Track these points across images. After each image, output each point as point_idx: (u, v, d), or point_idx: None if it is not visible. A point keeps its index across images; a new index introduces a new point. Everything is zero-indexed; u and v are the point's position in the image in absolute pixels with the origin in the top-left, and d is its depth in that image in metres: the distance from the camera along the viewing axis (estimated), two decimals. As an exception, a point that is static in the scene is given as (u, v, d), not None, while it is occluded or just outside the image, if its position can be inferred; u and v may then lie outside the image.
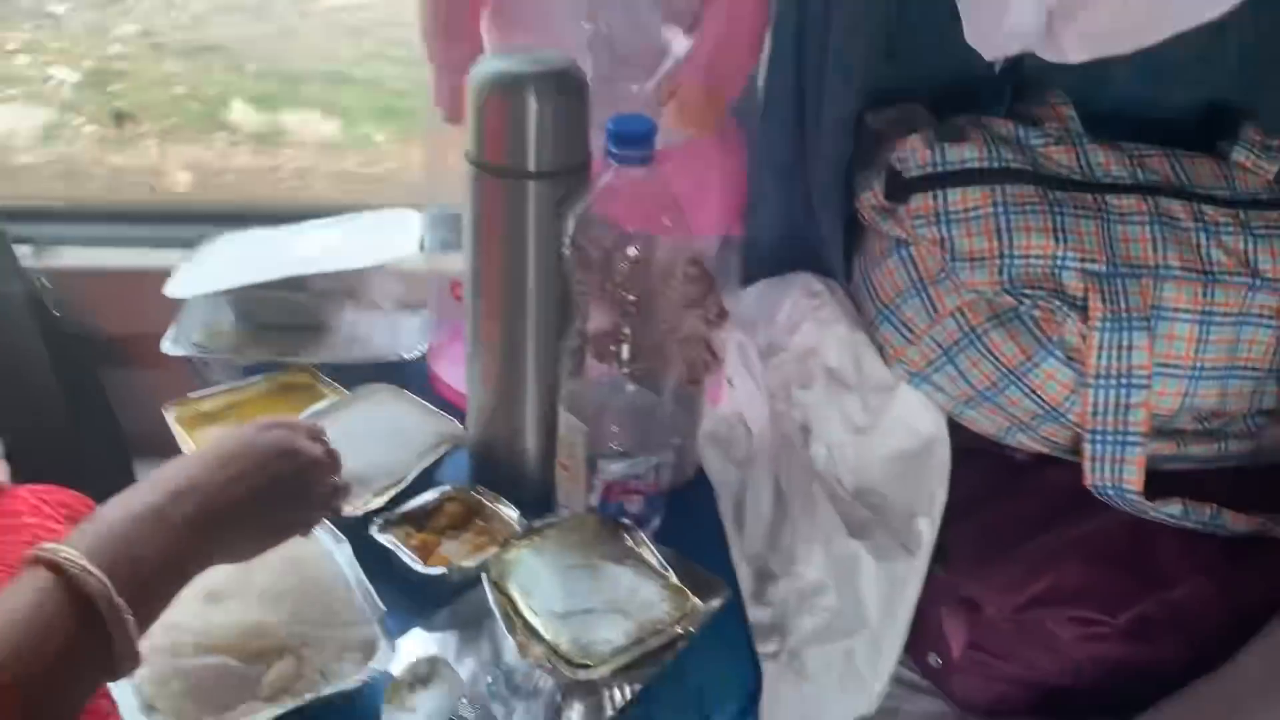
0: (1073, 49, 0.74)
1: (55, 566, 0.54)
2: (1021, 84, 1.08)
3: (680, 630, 0.76)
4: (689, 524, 0.95)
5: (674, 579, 0.80)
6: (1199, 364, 0.96)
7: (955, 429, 1.01)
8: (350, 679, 0.72)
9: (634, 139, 0.76)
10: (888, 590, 0.93)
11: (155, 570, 0.58)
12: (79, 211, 1.30)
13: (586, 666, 0.70)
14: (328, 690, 0.71)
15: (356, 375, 1.07)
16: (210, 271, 1.13)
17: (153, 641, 0.70)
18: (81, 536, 0.56)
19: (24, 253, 1.21)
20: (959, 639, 0.93)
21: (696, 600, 0.79)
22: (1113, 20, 0.62)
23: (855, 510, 1.00)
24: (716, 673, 0.84)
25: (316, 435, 0.74)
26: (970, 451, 1.01)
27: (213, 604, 0.77)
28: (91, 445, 1.20)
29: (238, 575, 0.78)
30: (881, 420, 1.04)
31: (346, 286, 1.16)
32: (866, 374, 1.05)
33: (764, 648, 0.92)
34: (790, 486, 1.02)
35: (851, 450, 1.03)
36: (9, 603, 0.53)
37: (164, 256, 1.20)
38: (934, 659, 0.94)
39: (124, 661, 0.55)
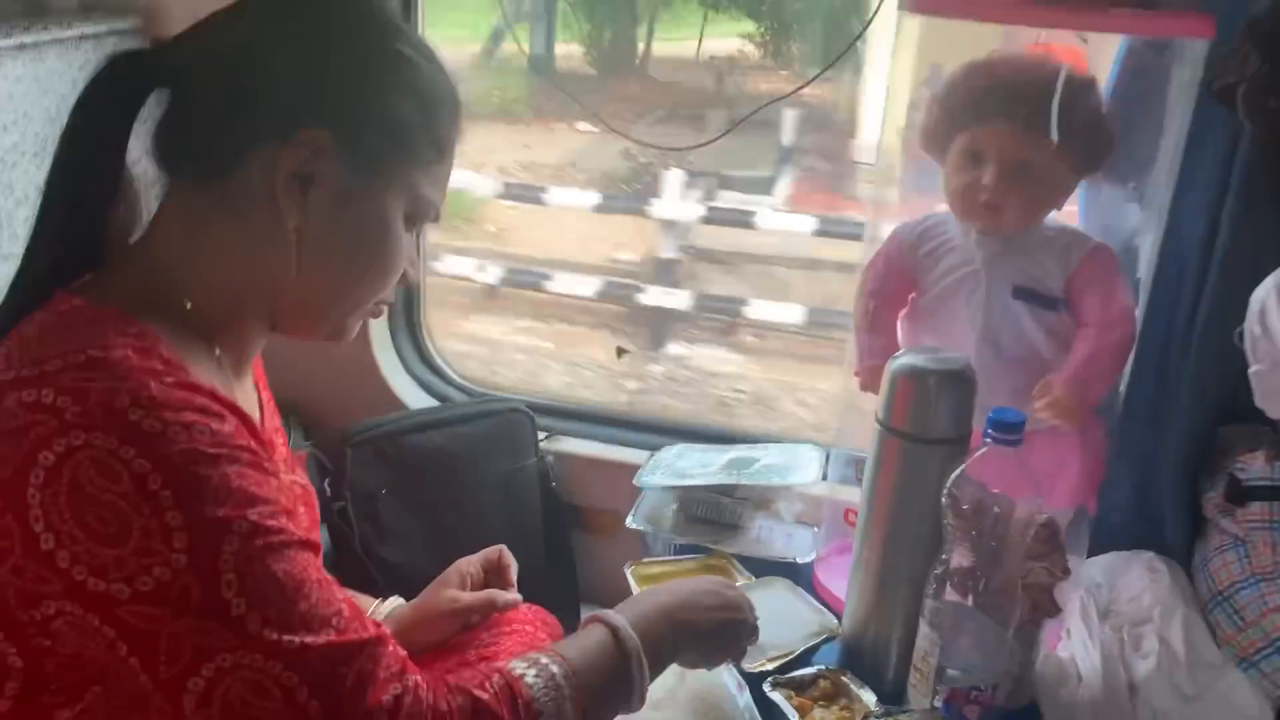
0: None
1: (612, 628, 0.90)
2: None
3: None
4: (1018, 743, 1.14)
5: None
6: None
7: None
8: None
9: (1008, 427, 1.03)
10: None
11: (657, 646, 0.92)
12: (580, 413, 1.78)
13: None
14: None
15: (760, 567, 1.39)
16: (665, 471, 1.53)
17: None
18: (624, 609, 0.93)
19: (541, 436, 1.69)
20: None
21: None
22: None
23: (1171, 771, 1.14)
24: None
25: (750, 606, 1.07)
26: None
27: (653, 710, 1.09)
28: (554, 584, 1.61)
29: (672, 692, 1.10)
30: (1208, 696, 1.17)
31: (762, 498, 1.51)
32: (1198, 651, 1.20)
33: None
34: (1109, 733, 1.17)
35: (1176, 716, 1.17)
36: (580, 642, 0.90)
37: (633, 454, 1.62)
38: None
39: (636, 699, 0.89)
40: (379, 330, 1.69)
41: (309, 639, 0.73)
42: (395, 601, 1.19)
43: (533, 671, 0.84)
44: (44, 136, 1.26)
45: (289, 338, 0.90)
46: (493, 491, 1.58)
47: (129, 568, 0.69)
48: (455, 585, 1.19)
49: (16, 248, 1.26)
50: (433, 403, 1.71)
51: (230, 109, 0.81)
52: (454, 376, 1.79)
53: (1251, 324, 0.87)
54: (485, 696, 0.80)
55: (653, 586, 1.00)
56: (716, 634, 1.02)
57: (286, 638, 0.72)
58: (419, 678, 0.79)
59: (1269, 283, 0.85)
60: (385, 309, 0.95)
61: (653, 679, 0.93)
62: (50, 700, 0.74)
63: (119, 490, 0.68)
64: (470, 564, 1.22)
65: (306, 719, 0.72)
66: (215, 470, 0.71)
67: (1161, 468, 1.31)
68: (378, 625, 0.79)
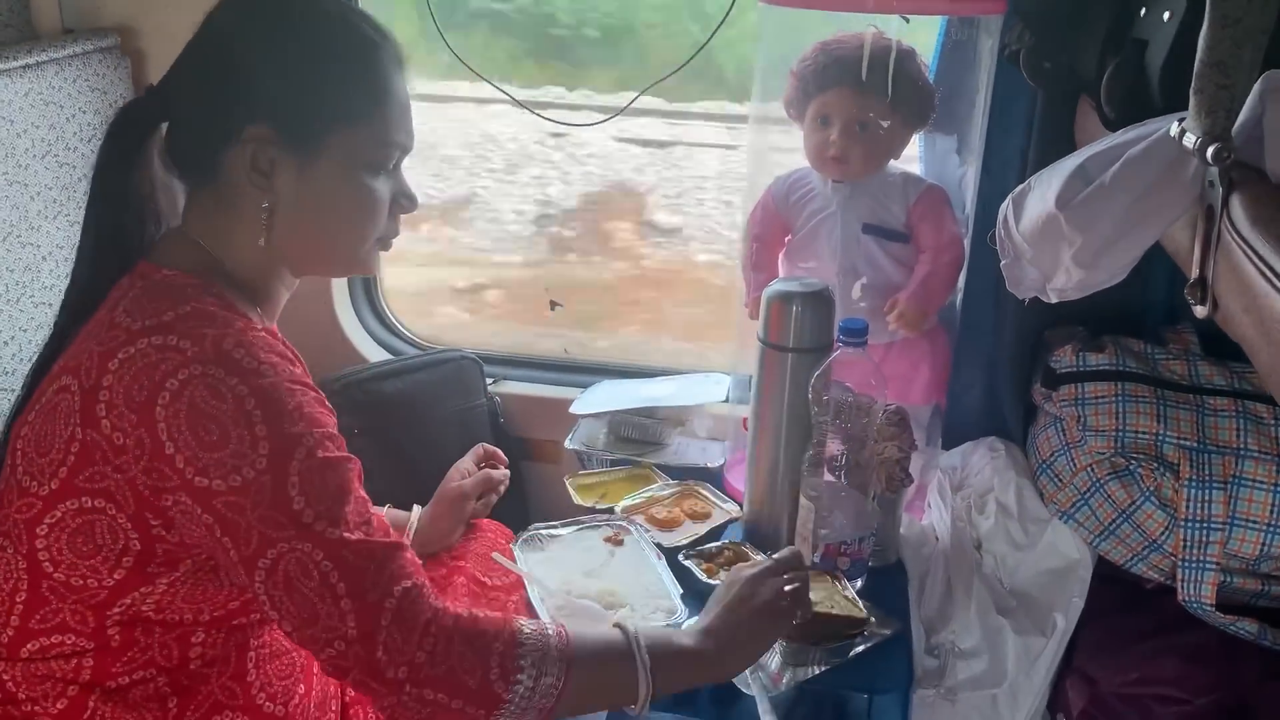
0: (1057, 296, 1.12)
1: (624, 630, 1.02)
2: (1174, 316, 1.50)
3: (870, 618, 1.23)
4: (887, 591, 1.41)
5: (853, 604, 1.28)
6: (1274, 522, 1.31)
7: (1105, 563, 1.40)
8: (659, 621, 1.27)
9: (854, 332, 1.31)
10: (1024, 658, 1.34)
11: (675, 668, 1.03)
12: (522, 360, 2.04)
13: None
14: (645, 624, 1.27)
15: (680, 474, 1.66)
16: (596, 401, 1.79)
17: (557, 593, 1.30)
18: (652, 629, 1.11)
19: (488, 381, 1.94)
20: (1079, 704, 1.32)
21: (882, 614, 1.26)
22: (1068, 280, 1.05)
23: (1006, 600, 1.42)
24: (884, 670, 1.29)
25: (794, 568, 1.16)
26: (1112, 579, 1.41)
27: (587, 578, 1.36)
28: (507, 505, 1.86)
29: (605, 570, 1.37)
30: (1038, 544, 1.46)
31: (678, 418, 1.78)
32: (1028, 509, 1.48)
33: (927, 686, 1.36)
34: (958, 578, 1.46)
35: (1011, 560, 1.45)
36: (593, 631, 1.03)
37: (568, 391, 1.89)
38: (1060, 718, 1.33)
39: (642, 701, 1.00)
40: (340, 293, 1.93)
41: (347, 534, 0.92)
42: (419, 509, 1.44)
43: (530, 625, 0.98)
44: (49, 140, 1.48)
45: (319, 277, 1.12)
46: (450, 429, 1.82)
47: (225, 467, 0.90)
48: (456, 480, 1.45)
49: (34, 237, 1.50)
50: (389, 356, 1.96)
51: (199, 125, 1.02)
52: (407, 333, 2.04)
53: (999, 229, 1.14)
54: (481, 616, 0.96)
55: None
56: (757, 635, 1.10)
57: (330, 530, 0.91)
58: (426, 582, 0.95)
59: (1009, 197, 1.12)
60: (391, 241, 1.11)
61: (668, 693, 1.03)
62: (154, 570, 0.97)
63: (223, 408, 0.90)
64: (464, 462, 1.49)
65: (335, 597, 0.91)
66: (292, 399, 0.93)
67: (999, 369, 1.59)
68: (399, 536, 0.98)
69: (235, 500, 0.91)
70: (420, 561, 0.99)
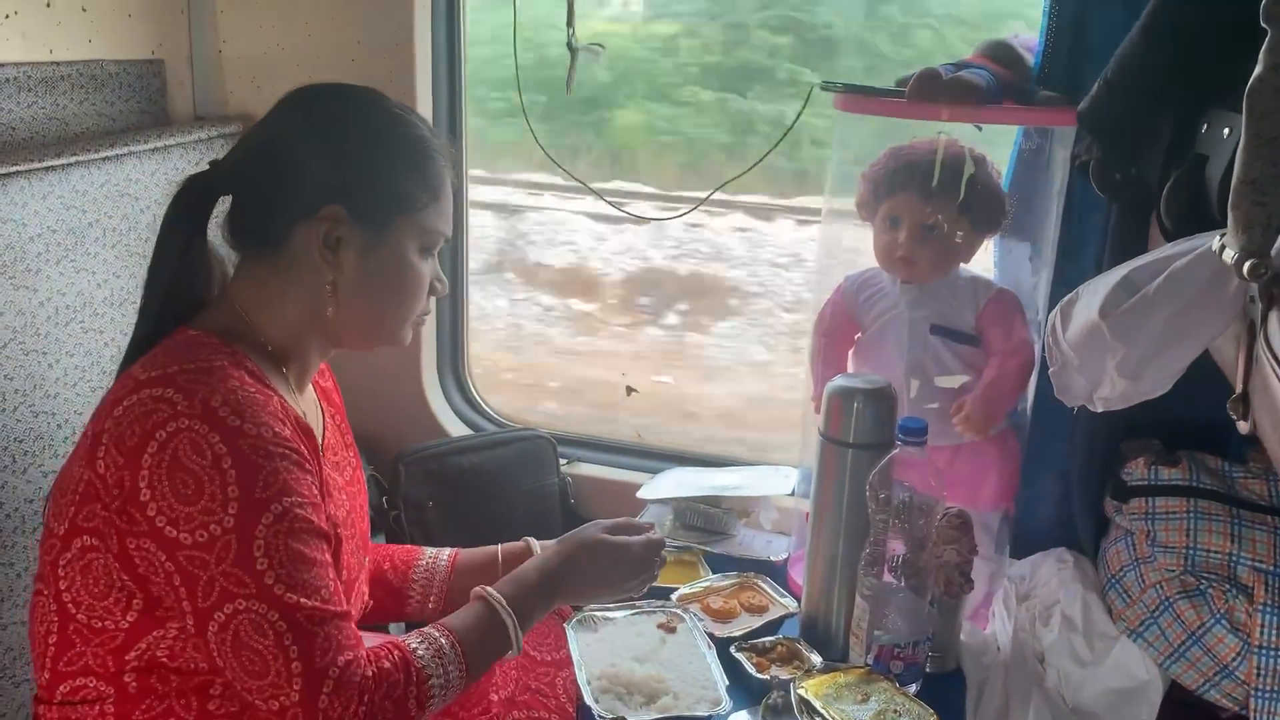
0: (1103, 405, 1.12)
1: (485, 600, 1.18)
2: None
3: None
4: (943, 698, 1.37)
5: (919, 705, 1.25)
6: (1354, 652, 1.25)
7: (1178, 687, 1.35)
8: (701, 712, 1.27)
9: (913, 432, 1.31)
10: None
11: (533, 603, 1.21)
12: (596, 442, 2.09)
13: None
14: (687, 713, 1.27)
15: (743, 565, 1.66)
16: (664, 487, 1.82)
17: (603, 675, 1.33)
18: (507, 584, 1.21)
19: (562, 461, 1.99)
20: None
21: (935, 716, 1.23)
22: (1113, 390, 1.04)
23: (1068, 717, 1.38)
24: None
25: (642, 535, 1.34)
26: (1186, 704, 1.35)
27: (637, 663, 1.37)
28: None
29: (655, 655, 1.38)
30: (1104, 661, 1.41)
31: (744, 508, 1.79)
32: (1095, 624, 1.44)
33: (979, 797, 1.32)
34: (1017, 690, 1.41)
35: (1076, 677, 1.41)
36: (463, 616, 1.16)
37: (639, 476, 1.92)
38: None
39: (515, 646, 1.17)
40: (429, 369, 2.02)
41: (302, 599, 0.98)
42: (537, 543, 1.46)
43: (423, 644, 1.09)
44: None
45: (352, 350, 1.20)
46: (520, 505, 1.88)
47: (194, 522, 0.97)
48: None
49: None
50: (470, 431, 2.03)
51: (270, 200, 1.12)
52: (489, 410, 2.11)
53: (1046, 336, 1.14)
54: (387, 665, 1.04)
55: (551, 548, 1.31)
56: (603, 576, 1.29)
57: (289, 595, 0.98)
58: (363, 651, 1.03)
59: (1058, 306, 1.12)
60: (425, 319, 1.22)
61: (535, 622, 1.23)
62: (162, 615, 1.02)
63: (201, 463, 0.97)
64: None
65: (287, 659, 0.97)
66: (269, 463, 1.00)
67: (1071, 479, 1.56)
68: (346, 605, 1.05)
69: (198, 555, 0.97)
70: None
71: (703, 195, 1.76)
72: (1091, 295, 0.99)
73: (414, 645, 1.09)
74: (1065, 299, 1.08)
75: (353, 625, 1.05)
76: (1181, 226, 1.04)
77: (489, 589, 1.20)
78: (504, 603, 1.18)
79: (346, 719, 0.99)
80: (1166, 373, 0.93)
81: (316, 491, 1.06)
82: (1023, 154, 1.53)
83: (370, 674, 1.02)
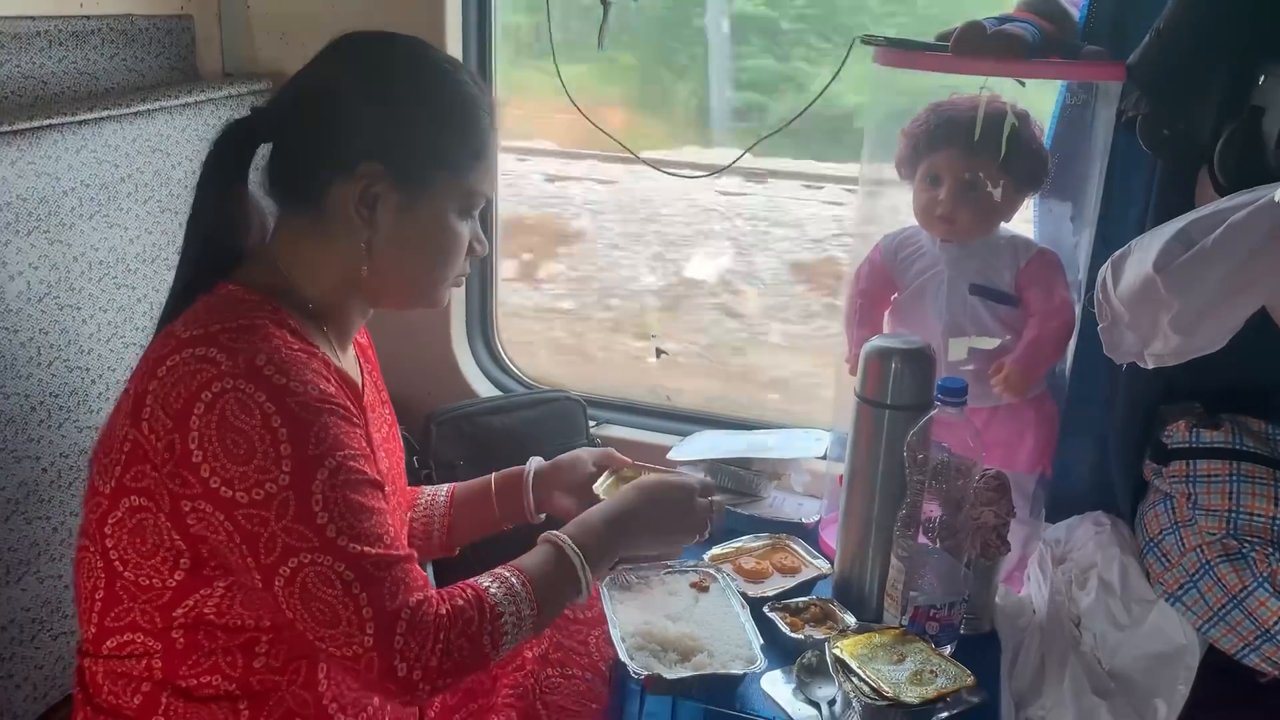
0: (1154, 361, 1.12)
1: (555, 544, 1.17)
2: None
3: (964, 684, 1.20)
4: (977, 660, 1.36)
5: (956, 665, 1.25)
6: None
7: (1215, 652, 1.34)
8: (737, 670, 1.27)
9: (952, 392, 1.30)
10: (1122, 745, 1.28)
11: (599, 547, 1.20)
12: (625, 404, 2.08)
13: (888, 699, 1.18)
14: (723, 671, 1.27)
15: (775, 527, 1.65)
16: (694, 449, 1.81)
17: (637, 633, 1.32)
18: (571, 524, 1.21)
19: (591, 424, 1.99)
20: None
21: (973, 677, 1.22)
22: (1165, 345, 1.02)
23: (1104, 681, 1.37)
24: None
25: (706, 492, 1.34)
26: (1223, 669, 1.34)
27: (671, 622, 1.37)
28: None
29: (689, 614, 1.38)
30: (1142, 625, 1.40)
31: (775, 471, 1.78)
32: (1132, 588, 1.42)
33: (1014, 761, 1.31)
34: (1052, 653, 1.41)
35: (1112, 640, 1.40)
36: (533, 558, 1.16)
37: (669, 438, 1.91)
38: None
39: (585, 590, 1.17)
40: (458, 329, 2.01)
41: (366, 548, 0.99)
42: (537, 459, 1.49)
43: (495, 583, 1.09)
44: (202, 172, 1.61)
45: (390, 310, 1.19)
46: (550, 467, 1.87)
47: (249, 481, 0.96)
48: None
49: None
50: (500, 393, 2.03)
51: (311, 153, 1.09)
52: (518, 372, 2.11)
53: (1097, 292, 1.11)
54: (460, 603, 1.05)
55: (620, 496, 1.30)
56: (662, 524, 1.29)
57: (351, 545, 0.98)
58: (434, 592, 1.03)
59: (1109, 260, 1.10)
60: (463, 280, 1.20)
61: (606, 566, 1.24)
62: (210, 573, 1.03)
63: (251, 423, 0.96)
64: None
65: (358, 605, 0.97)
66: (318, 419, 0.99)
67: (1109, 441, 1.54)
68: (409, 548, 1.04)
69: (257, 513, 0.97)
70: None
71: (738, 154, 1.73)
72: (1145, 250, 0.97)
73: (486, 584, 1.09)
74: (1117, 253, 1.06)
75: (418, 567, 1.04)
76: (1237, 181, 1.02)
77: (554, 532, 1.20)
78: (570, 542, 1.18)
79: (424, 657, 1.00)
80: (1222, 328, 0.91)
81: (366, 444, 1.05)
82: (1065, 111, 1.50)
83: (444, 611, 1.03)
